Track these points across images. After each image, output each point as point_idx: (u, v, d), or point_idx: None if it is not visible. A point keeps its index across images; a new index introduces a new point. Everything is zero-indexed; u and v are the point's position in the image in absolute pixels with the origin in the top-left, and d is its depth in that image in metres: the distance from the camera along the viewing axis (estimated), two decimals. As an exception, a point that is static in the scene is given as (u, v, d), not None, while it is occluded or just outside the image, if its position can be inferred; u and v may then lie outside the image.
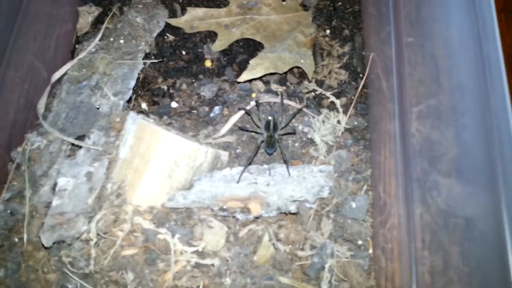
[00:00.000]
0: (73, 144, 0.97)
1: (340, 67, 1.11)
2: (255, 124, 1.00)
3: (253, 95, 1.08)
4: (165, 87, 1.12)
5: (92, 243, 0.81)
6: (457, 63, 0.88)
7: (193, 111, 1.08)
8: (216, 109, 1.07)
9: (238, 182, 0.90)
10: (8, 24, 1.02)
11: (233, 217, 0.88)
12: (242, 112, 1.03)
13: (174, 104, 1.09)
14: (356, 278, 0.84)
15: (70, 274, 0.82)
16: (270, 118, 0.96)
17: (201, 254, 0.84)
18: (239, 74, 1.11)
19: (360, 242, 0.89)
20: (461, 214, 0.81)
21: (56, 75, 1.10)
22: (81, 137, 0.98)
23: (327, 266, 0.84)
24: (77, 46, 1.18)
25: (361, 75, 1.09)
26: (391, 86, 0.98)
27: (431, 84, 0.93)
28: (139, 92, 1.12)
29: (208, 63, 1.15)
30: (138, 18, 1.18)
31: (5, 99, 0.99)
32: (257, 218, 0.88)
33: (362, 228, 0.89)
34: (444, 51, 0.91)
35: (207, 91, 1.09)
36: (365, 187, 0.94)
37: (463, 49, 0.84)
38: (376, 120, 1.00)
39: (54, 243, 0.81)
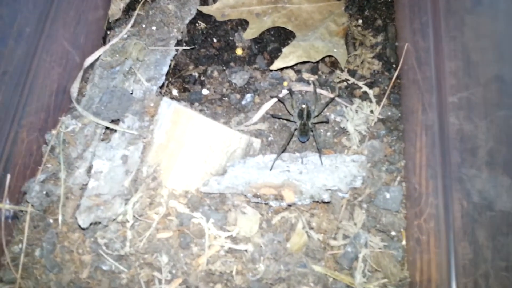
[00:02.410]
0: (107, 128, 0.98)
1: (373, 57, 1.09)
2: (288, 112, 1.00)
3: (285, 83, 1.08)
4: (196, 74, 1.13)
5: (128, 225, 0.82)
6: (499, 55, 0.86)
7: (224, 98, 1.08)
8: (248, 96, 1.06)
9: (271, 169, 0.90)
10: (43, 11, 1.03)
11: (266, 204, 0.88)
12: (275, 100, 1.03)
13: (205, 91, 1.09)
14: (390, 269, 0.84)
15: (105, 256, 0.83)
16: (304, 106, 0.96)
17: (234, 239, 0.84)
18: (270, 62, 1.11)
19: (393, 233, 0.88)
20: (497, 207, 0.80)
21: (89, 60, 1.11)
22: (115, 121, 0.99)
23: (360, 256, 0.84)
24: (108, 32, 1.19)
25: (394, 66, 1.08)
26: (427, 77, 0.96)
27: (471, 76, 0.91)
28: (170, 79, 1.12)
29: (239, 51, 1.15)
30: (170, 5, 1.18)
31: (39, 83, 1.00)
32: (290, 205, 0.87)
33: (395, 219, 0.88)
34: (485, 42, 0.90)
35: (239, 78, 1.09)
36: (398, 178, 0.93)
37: (508, 40, 0.83)
38: (410, 111, 0.99)
39: (90, 224, 0.82)
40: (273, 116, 1.01)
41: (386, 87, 1.04)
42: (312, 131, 0.95)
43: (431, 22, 1.00)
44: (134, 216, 0.83)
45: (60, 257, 0.85)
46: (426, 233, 0.83)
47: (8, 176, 0.88)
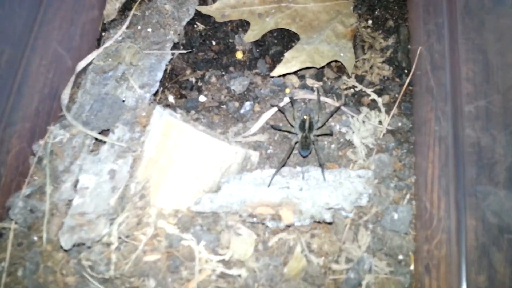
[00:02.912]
0: (97, 139, 0.92)
1: (383, 62, 1.01)
2: (289, 123, 0.93)
3: (287, 90, 1.01)
4: (194, 80, 1.06)
5: (113, 247, 0.77)
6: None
7: (222, 106, 1.01)
8: (247, 104, 0.99)
9: (269, 185, 0.83)
10: (32, 9, 0.98)
11: (263, 224, 0.81)
12: (275, 109, 0.96)
13: (202, 98, 1.02)
14: (396, 297, 0.77)
15: (90, 278, 0.78)
16: (305, 117, 0.89)
17: (227, 263, 0.78)
18: (272, 67, 1.04)
19: (401, 257, 0.81)
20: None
21: (81, 64, 1.05)
22: (105, 132, 0.93)
23: (364, 283, 0.77)
24: (103, 33, 1.13)
25: (406, 71, 1.00)
26: (441, 84, 0.88)
27: (489, 83, 0.83)
28: (166, 84, 1.06)
29: (239, 55, 1.08)
30: (167, 5, 1.12)
31: (28, 88, 0.95)
32: (288, 226, 0.81)
33: (404, 241, 0.81)
34: (503, 46, 0.82)
35: (238, 85, 1.02)
36: (408, 196, 0.86)
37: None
38: (422, 122, 0.91)
39: (73, 245, 0.76)
40: (273, 127, 0.94)
41: (396, 95, 0.96)
42: (314, 144, 0.88)
43: (447, 23, 0.92)
44: (119, 238, 0.77)
45: (43, 278, 0.80)
46: (436, 259, 0.75)
47: (-8, 190, 0.84)
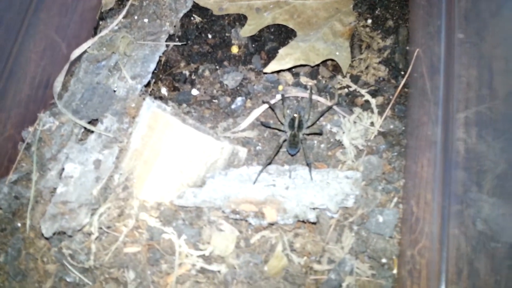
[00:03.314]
0: (85, 128, 0.92)
1: (380, 62, 0.99)
2: (279, 121, 0.92)
3: (280, 87, 0.99)
4: (187, 73, 1.05)
5: (93, 237, 0.76)
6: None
7: (214, 101, 1.00)
8: (239, 100, 0.98)
9: (254, 183, 0.83)
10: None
11: (246, 221, 0.80)
12: (266, 105, 0.95)
13: (194, 92, 1.02)
14: (377, 301, 0.76)
15: (70, 267, 0.78)
16: (295, 115, 0.88)
17: (207, 258, 0.77)
18: (267, 63, 1.02)
19: (384, 260, 0.79)
20: (503, 238, 0.71)
21: (76, 53, 1.05)
22: (94, 121, 0.93)
23: (344, 284, 0.76)
24: (100, 22, 1.12)
25: (402, 73, 0.98)
26: (436, 87, 0.87)
27: (483, 88, 0.82)
28: (160, 76, 1.05)
29: (234, 49, 1.07)
30: (165, -4, 1.11)
31: (19, 74, 0.95)
32: (271, 224, 0.80)
33: (388, 245, 0.79)
34: (502, 52, 0.80)
35: (231, 79, 1.01)
36: (395, 199, 0.84)
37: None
38: (415, 125, 0.89)
39: (54, 233, 0.76)
40: (263, 124, 0.93)
41: (391, 97, 0.95)
42: (302, 143, 0.87)
43: (445, 26, 0.90)
44: (100, 228, 0.77)
45: (25, 264, 0.80)
46: (419, 264, 0.74)
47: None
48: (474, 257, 0.69)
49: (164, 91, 1.03)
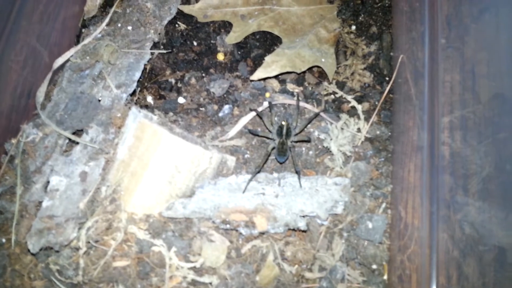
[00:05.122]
0: (70, 139, 0.90)
1: (365, 68, 1.00)
2: (267, 128, 0.92)
3: (267, 94, 0.99)
4: (173, 81, 1.04)
5: (81, 251, 0.75)
6: (499, 70, 0.78)
7: (200, 109, 0.99)
8: (226, 108, 0.98)
9: (244, 192, 0.82)
10: (8, 1, 0.95)
11: (236, 231, 0.80)
12: (254, 113, 0.95)
13: (181, 100, 1.01)
14: (368, 308, 0.76)
15: (58, 283, 0.76)
16: (283, 123, 0.88)
17: (198, 270, 0.77)
18: (253, 70, 1.02)
19: (374, 266, 0.80)
20: (490, 241, 0.73)
21: (59, 61, 1.03)
22: (79, 132, 0.91)
23: (336, 292, 0.76)
24: (83, 30, 1.11)
25: (387, 79, 0.99)
26: (421, 92, 0.88)
27: (467, 92, 0.83)
28: (145, 84, 1.04)
29: (220, 57, 1.06)
30: (149, 3, 1.09)
31: (2, 84, 0.92)
32: (262, 233, 0.80)
33: (377, 251, 0.80)
34: (485, 56, 0.81)
35: (217, 87, 1.01)
36: (384, 205, 0.85)
37: (509, 55, 0.75)
38: (401, 130, 0.90)
39: (40, 249, 0.75)
40: (251, 132, 0.93)
41: (376, 102, 0.96)
42: (291, 150, 0.87)
43: (427, 31, 0.91)
44: (88, 242, 0.76)
45: (10, 281, 0.78)
46: (409, 269, 0.75)
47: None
48: (462, 261, 0.71)
49: (149, 99, 1.02)
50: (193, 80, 1.03)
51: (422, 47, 0.92)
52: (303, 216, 0.81)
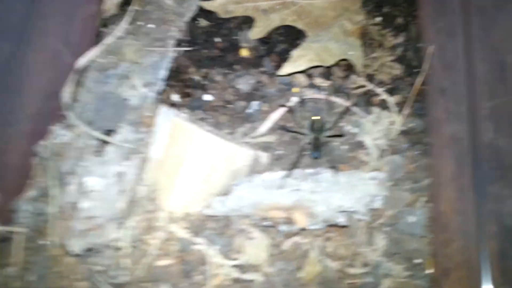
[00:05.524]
0: (101, 140, 0.89)
1: (393, 60, 0.99)
2: (298, 124, 0.91)
3: (294, 89, 0.98)
4: (198, 78, 1.03)
5: (124, 251, 0.74)
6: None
7: (228, 106, 0.98)
8: (254, 104, 0.97)
9: (280, 188, 0.81)
10: (27, 3, 0.94)
11: (275, 227, 0.79)
12: (284, 109, 0.93)
13: (207, 97, 0.99)
14: (414, 302, 0.76)
15: (101, 284, 0.75)
16: (316, 117, 0.87)
17: (241, 268, 0.76)
18: (278, 65, 1.01)
19: (417, 261, 0.79)
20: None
21: (81, 62, 1.01)
22: (109, 132, 0.90)
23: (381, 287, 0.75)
24: (103, 29, 1.09)
25: (416, 70, 0.98)
26: (455, 83, 0.87)
27: (502, 83, 0.82)
28: (170, 82, 1.03)
29: (244, 52, 1.05)
30: (169, 0, 1.08)
31: (27, 86, 0.91)
32: (302, 230, 0.79)
33: (420, 245, 0.79)
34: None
35: (244, 83, 1.00)
36: (422, 198, 0.84)
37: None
38: (435, 122, 0.89)
39: (82, 250, 0.74)
40: (283, 129, 0.91)
41: (407, 95, 0.95)
42: (325, 145, 0.86)
43: (461, 19, 0.90)
44: (130, 242, 0.75)
45: (54, 283, 0.77)
46: (455, 263, 0.74)
47: (-4, 193, 0.81)
48: (509, 255, 0.70)
49: (176, 98, 1.00)
50: (218, 77, 1.02)
51: (453, 37, 0.92)
52: (342, 212, 0.80)
